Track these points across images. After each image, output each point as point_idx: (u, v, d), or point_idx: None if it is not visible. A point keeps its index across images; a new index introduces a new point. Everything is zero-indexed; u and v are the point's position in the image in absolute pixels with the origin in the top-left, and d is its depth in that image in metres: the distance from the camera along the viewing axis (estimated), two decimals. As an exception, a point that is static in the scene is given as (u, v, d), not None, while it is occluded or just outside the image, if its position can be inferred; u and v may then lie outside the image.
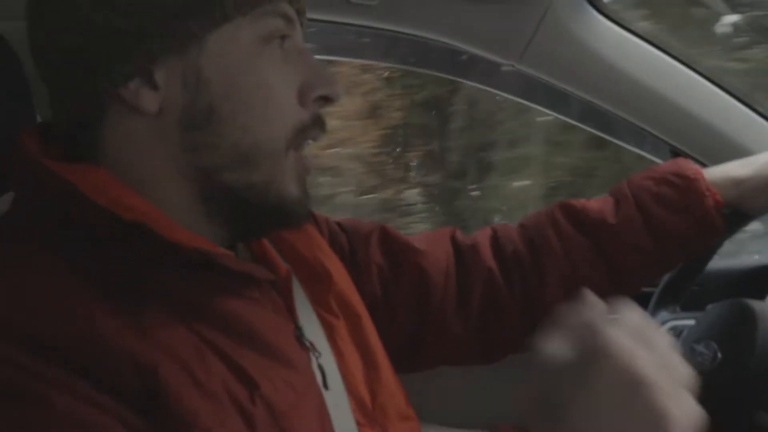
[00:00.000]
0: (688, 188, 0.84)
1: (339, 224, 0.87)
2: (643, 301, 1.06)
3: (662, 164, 0.88)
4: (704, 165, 1.16)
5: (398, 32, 1.08)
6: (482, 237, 0.90)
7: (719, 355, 0.81)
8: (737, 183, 0.85)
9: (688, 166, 0.87)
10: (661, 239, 0.85)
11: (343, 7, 1.01)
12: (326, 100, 0.63)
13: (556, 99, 1.31)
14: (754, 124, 1.13)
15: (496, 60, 1.10)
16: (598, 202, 0.89)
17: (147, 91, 0.56)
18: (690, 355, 0.84)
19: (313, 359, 0.64)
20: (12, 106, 0.67)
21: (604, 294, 0.88)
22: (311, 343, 0.64)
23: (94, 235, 0.54)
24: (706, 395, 0.79)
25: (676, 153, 1.24)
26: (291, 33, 0.62)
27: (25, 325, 0.48)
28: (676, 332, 0.93)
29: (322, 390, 0.63)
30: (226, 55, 0.57)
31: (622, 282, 0.87)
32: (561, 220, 0.87)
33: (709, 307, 0.89)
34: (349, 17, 1.05)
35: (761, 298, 1.04)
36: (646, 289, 1.09)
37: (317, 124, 0.63)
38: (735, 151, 1.09)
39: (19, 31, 0.76)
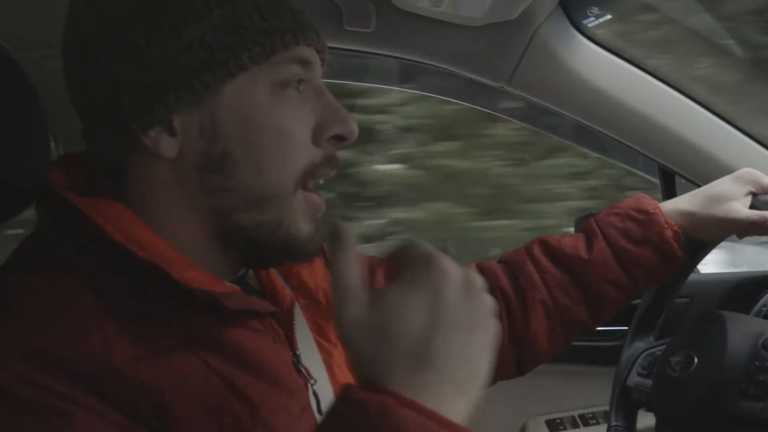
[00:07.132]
0: (649, 222, 0.91)
1: None
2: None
3: (624, 200, 0.95)
4: (691, 182, 1.21)
5: (393, 57, 1.14)
6: None
7: (696, 360, 0.85)
8: (688, 215, 0.91)
9: (648, 202, 0.93)
10: (630, 269, 0.92)
11: (340, 34, 1.07)
12: (341, 139, 0.64)
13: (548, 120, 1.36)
14: (737, 142, 1.17)
15: (486, 82, 1.15)
16: (571, 239, 0.96)
17: (166, 138, 0.59)
18: (667, 366, 0.89)
19: (309, 385, 0.66)
20: (27, 133, 0.70)
21: (582, 321, 0.94)
22: (307, 370, 0.67)
23: (111, 267, 0.56)
24: (691, 394, 0.84)
25: (664, 170, 1.29)
26: (308, 77, 0.63)
27: (49, 350, 0.50)
28: (653, 359, 0.99)
29: (317, 415, 0.65)
30: (242, 103, 0.59)
31: (598, 310, 0.94)
32: (540, 257, 0.95)
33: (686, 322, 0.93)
34: (347, 43, 1.11)
35: (748, 308, 1.07)
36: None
37: (329, 162, 0.64)
38: (719, 168, 1.13)
39: (36, 60, 0.81)
